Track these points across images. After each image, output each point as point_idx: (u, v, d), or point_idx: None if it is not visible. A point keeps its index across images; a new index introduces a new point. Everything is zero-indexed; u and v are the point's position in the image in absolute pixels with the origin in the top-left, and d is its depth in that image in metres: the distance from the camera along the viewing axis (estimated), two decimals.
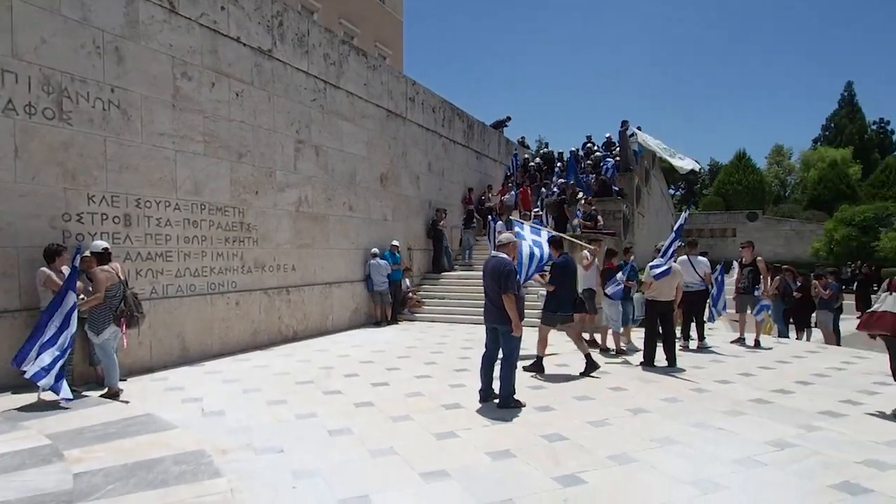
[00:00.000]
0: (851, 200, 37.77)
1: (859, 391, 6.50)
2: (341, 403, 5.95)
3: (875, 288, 24.39)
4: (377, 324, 11.93)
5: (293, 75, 10.10)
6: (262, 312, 9.45)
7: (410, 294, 13.17)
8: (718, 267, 10.48)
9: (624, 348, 8.88)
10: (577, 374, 7.27)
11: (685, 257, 9.16)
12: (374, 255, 11.87)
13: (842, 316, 11.48)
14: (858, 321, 6.15)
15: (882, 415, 5.55)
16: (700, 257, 9.38)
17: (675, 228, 8.15)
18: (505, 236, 6.12)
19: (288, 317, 10.03)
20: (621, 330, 8.84)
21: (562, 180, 17.51)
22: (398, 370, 7.61)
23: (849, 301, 13.68)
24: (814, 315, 11.55)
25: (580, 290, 9.01)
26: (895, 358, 5.77)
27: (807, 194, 46.62)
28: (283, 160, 9.93)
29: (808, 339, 11.50)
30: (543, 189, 17.65)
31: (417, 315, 12.86)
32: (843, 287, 13.24)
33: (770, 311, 10.87)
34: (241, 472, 4.09)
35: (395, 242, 12.55)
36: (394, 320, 12.31)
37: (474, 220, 16.36)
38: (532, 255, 8.10)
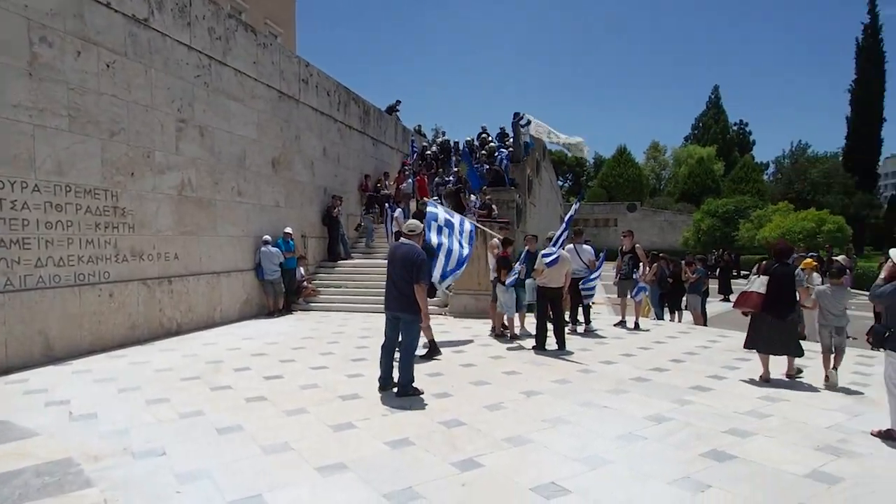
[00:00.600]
0: (716, 194, 41.71)
1: (723, 367, 7.19)
2: (231, 399, 5.63)
3: (735, 273, 27.29)
4: (270, 314, 11.44)
5: (174, 48, 9.32)
6: (140, 305, 8.71)
7: (305, 283, 12.77)
8: (601, 254, 11.13)
9: (518, 334, 9.19)
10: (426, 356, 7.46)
11: (571, 245, 9.63)
12: (266, 243, 11.34)
13: (708, 299, 12.67)
14: (735, 300, 6.82)
15: (751, 381, 6.19)
16: (585, 245, 9.91)
17: (565, 219, 8.51)
18: (414, 223, 6.06)
19: (171, 309, 9.33)
20: (515, 315, 9.13)
21: (456, 169, 17.75)
22: (293, 362, 7.34)
23: (714, 285, 15.09)
24: (685, 298, 12.65)
25: (491, 278, 9.27)
26: (754, 331, 6.50)
27: (678, 188, 50.85)
28: (164, 140, 9.16)
29: (679, 321, 12.57)
30: (438, 178, 17.78)
31: (313, 304, 12.50)
32: (709, 273, 14.60)
33: (647, 294, 11.75)
34: (117, 480, 3.73)
35: (289, 230, 12.07)
36: (288, 310, 11.88)
37: (375, 205, 16.16)
38: (450, 250, 8.21)
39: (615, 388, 6.11)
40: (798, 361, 6.65)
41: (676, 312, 12.86)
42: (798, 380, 6.49)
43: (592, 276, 9.96)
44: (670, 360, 7.53)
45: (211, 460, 4.06)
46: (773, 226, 26.78)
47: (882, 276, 4.92)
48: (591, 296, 10.18)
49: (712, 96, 57.78)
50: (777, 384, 6.30)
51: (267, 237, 11.41)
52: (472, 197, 14.93)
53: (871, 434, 4.64)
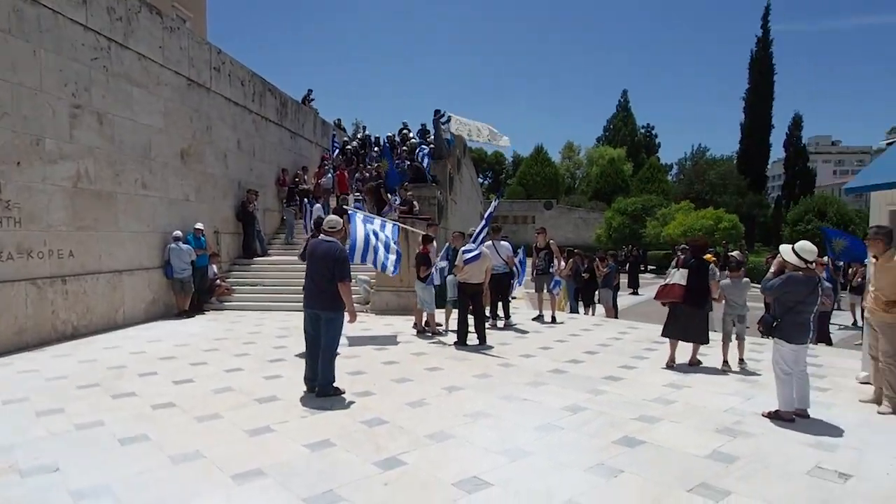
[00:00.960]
0: (625, 193, 43.90)
1: (633, 357, 7.57)
2: (135, 407, 5.26)
3: (642, 268, 28.83)
4: (180, 315, 10.82)
5: (67, 27, 8.57)
6: (29, 307, 7.97)
7: (218, 281, 12.19)
8: (520, 250, 11.39)
9: (440, 329, 9.24)
10: (396, 357, 7.38)
11: (489, 242, 9.81)
12: (176, 240, 10.70)
13: (618, 293, 13.31)
14: (656, 292, 7.26)
15: (666, 367, 6.54)
16: (503, 242, 10.12)
17: (485, 215, 8.63)
18: (335, 220, 5.89)
19: (65, 311, 8.60)
20: (435, 311, 9.16)
21: (377, 164, 17.60)
22: (205, 365, 6.98)
23: (624, 280, 15.84)
24: (597, 292, 13.22)
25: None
26: (672, 321, 6.94)
27: (591, 186, 53.08)
28: (56, 127, 8.41)
29: (593, 314, 13.12)
30: (358, 174, 17.56)
31: (227, 304, 11.96)
32: (619, 268, 15.35)
33: (563, 288, 12.23)
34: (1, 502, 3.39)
35: (200, 225, 11.45)
36: (199, 311, 11.29)
37: (296, 198, 15.69)
38: (377, 248, 8.18)
39: (534, 380, 6.28)
40: (702, 349, 7.12)
41: (590, 306, 13.42)
42: (701, 366, 6.95)
43: (522, 271, 10.31)
44: (585, 352, 7.83)
45: (112, 474, 3.77)
46: (677, 223, 28.54)
47: (772, 270, 5.36)
48: (511, 290, 10.47)
49: (622, 100, 60.68)
50: (681, 370, 6.71)
51: (177, 233, 10.77)
52: (393, 195, 14.83)
53: (762, 415, 5.03)
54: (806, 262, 4.92)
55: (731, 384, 6.22)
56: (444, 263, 8.77)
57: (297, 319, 6.40)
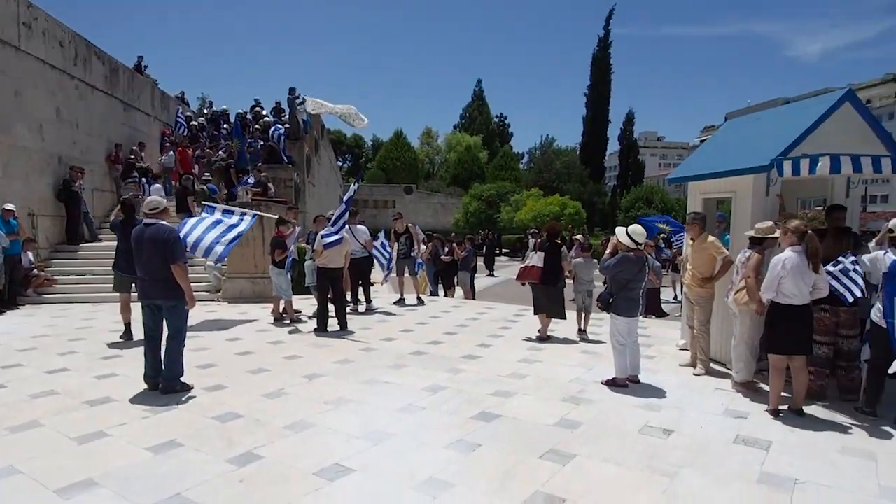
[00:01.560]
0: (481, 180, 45.66)
1: (489, 336, 7.93)
2: None
3: (498, 252, 30.29)
4: None
5: None
6: None
7: (35, 271, 10.66)
8: (380, 234, 11.37)
9: (299, 317, 8.93)
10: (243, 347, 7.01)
11: (346, 226, 9.70)
12: None
13: (476, 275, 13.83)
14: (517, 273, 7.78)
15: (527, 339, 6.91)
16: (360, 226, 10.06)
17: (345, 199, 8.46)
18: (156, 200, 5.34)
19: None
20: (292, 298, 8.84)
21: (229, 143, 16.47)
22: (20, 367, 6.08)
23: (481, 263, 16.49)
24: (456, 275, 13.63)
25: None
26: (537, 298, 7.47)
27: (449, 172, 54.42)
28: None
29: (452, 296, 13.51)
30: (199, 152, 16.30)
31: (48, 296, 10.52)
32: (476, 251, 15.96)
33: (423, 270, 12.47)
34: None
35: (10, 206, 9.87)
36: (12, 305, 9.79)
37: (134, 175, 14.14)
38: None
39: (396, 363, 6.32)
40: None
41: (450, 289, 13.81)
42: (553, 336, 7.48)
43: (390, 255, 10.36)
44: (445, 333, 8.04)
45: None
46: (528, 209, 30.36)
47: (608, 251, 5.90)
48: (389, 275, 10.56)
49: (477, 89, 62.68)
50: (532, 346, 7.16)
51: None
52: (246, 176, 14.00)
53: (601, 383, 5.55)
54: (637, 243, 5.47)
55: (575, 356, 6.76)
56: (292, 247, 8.49)
57: (137, 310, 5.80)
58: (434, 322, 9.01)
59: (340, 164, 59.07)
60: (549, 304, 7.52)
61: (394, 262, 10.71)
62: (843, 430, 4.35)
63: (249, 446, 3.96)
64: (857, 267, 4.72)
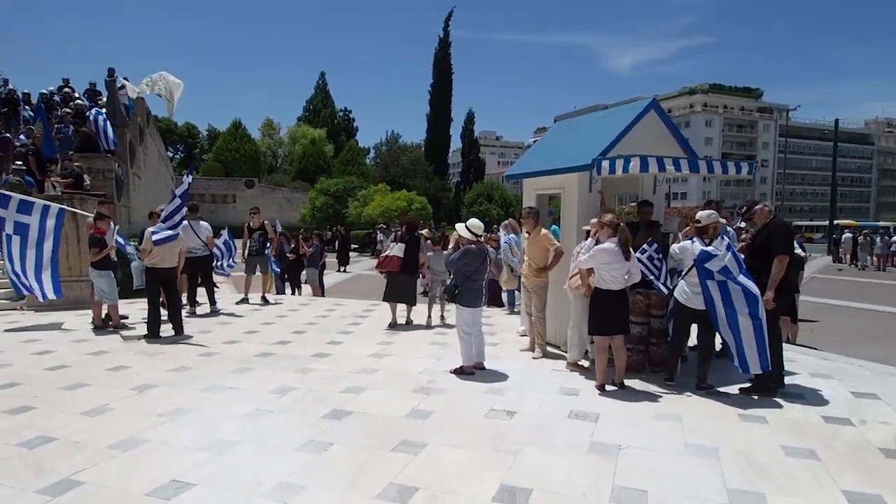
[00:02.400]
0: (328, 174, 44.79)
1: (340, 332, 7.83)
2: None
3: (353, 246, 29.96)
4: None
5: None
6: None
7: None
8: (223, 231, 10.67)
9: (125, 323, 8.06)
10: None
11: (186, 223, 9.01)
12: None
13: (325, 271, 13.55)
14: (377, 263, 8.46)
15: (391, 326, 6.88)
16: (202, 222, 9.39)
17: (178, 193, 7.78)
18: None
19: None
20: (118, 302, 7.96)
21: (31, 127, 14.27)
22: None
23: (331, 259, 16.16)
24: (304, 272, 13.24)
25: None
26: (390, 288, 8.09)
27: (294, 166, 52.62)
28: None
29: (300, 294, 13.10)
30: (9, 136, 13.99)
31: None
32: (326, 247, 15.63)
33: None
34: None
35: None
36: None
37: None
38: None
39: (240, 367, 5.98)
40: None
41: (297, 286, 13.36)
42: (413, 323, 7.59)
43: (230, 254, 9.88)
44: (293, 333, 7.78)
45: None
46: (375, 204, 30.39)
47: (451, 245, 6.14)
48: (227, 275, 9.99)
49: (320, 82, 61.22)
50: (384, 340, 7.22)
51: None
52: (54, 165, 12.27)
53: (450, 372, 5.76)
54: (476, 236, 5.76)
55: (424, 348, 6.94)
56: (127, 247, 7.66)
57: None
58: (281, 321, 8.68)
59: (171, 154, 54.32)
60: (401, 292, 8.11)
61: (232, 259, 10.12)
62: (656, 398, 4.99)
63: (66, 473, 3.49)
64: (660, 255, 5.43)
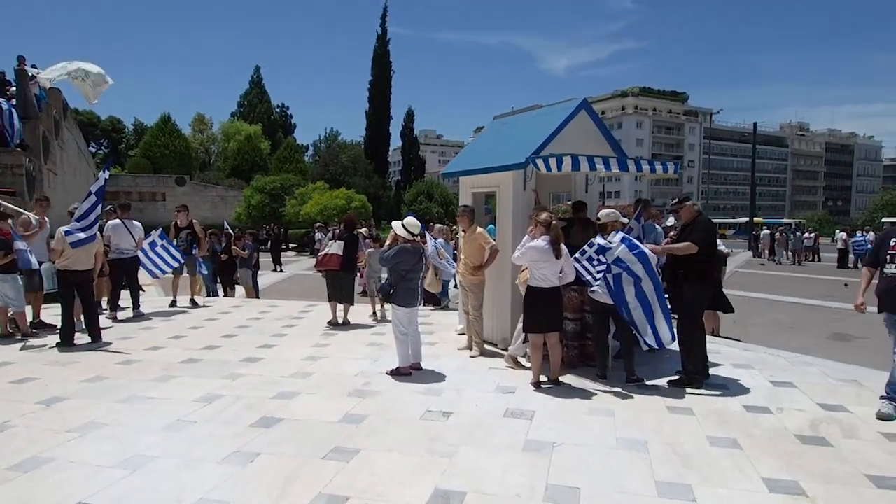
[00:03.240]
0: (264, 171, 43.44)
1: (273, 335, 7.55)
2: None
3: (284, 247, 29.21)
4: None
5: None
6: None
7: None
8: (155, 232, 10.10)
9: (34, 331, 7.47)
10: None
11: (118, 222, 8.55)
12: None
13: (259, 272, 13.09)
14: (316, 261, 8.39)
15: (330, 324, 6.65)
16: (135, 222, 8.91)
17: (94, 191, 7.27)
18: None
19: None
20: (25, 309, 7.37)
21: None
22: None
23: (266, 259, 15.63)
24: (237, 273, 12.73)
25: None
26: (331, 286, 8.04)
27: (228, 163, 50.75)
28: None
29: (233, 296, 12.60)
30: None
31: None
32: (260, 246, 15.12)
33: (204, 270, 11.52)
34: None
35: None
36: None
37: None
38: None
39: (163, 374, 5.65)
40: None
41: (230, 287, 12.84)
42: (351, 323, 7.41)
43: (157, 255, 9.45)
44: (222, 337, 7.45)
45: None
46: (314, 202, 29.73)
47: (387, 243, 6.02)
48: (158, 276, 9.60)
49: (255, 76, 59.39)
50: (317, 343, 7.01)
51: None
52: None
53: (386, 374, 5.65)
54: (413, 234, 5.67)
55: (361, 349, 6.79)
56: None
57: None
58: (210, 325, 8.29)
59: (93, 150, 51.35)
60: (340, 290, 8.10)
61: (157, 260, 9.62)
62: (590, 394, 5.06)
63: None
64: (600, 256, 5.49)
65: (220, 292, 12.52)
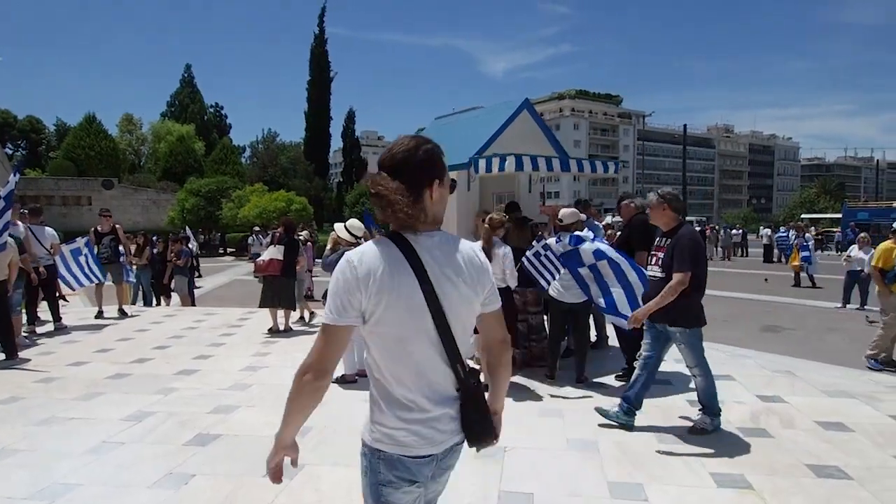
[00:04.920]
0: (199, 173, 41.74)
1: (210, 345, 7.20)
2: None
3: (222, 251, 28.11)
4: None
5: None
6: None
7: None
8: (80, 239, 9.43)
9: None
10: None
11: (21, 227, 7.92)
12: None
13: (196, 278, 12.51)
14: (254, 266, 8.13)
15: (267, 332, 6.33)
16: (47, 228, 8.29)
17: (3, 195, 6.69)
18: None
19: None
20: None
21: None
22: None
23: (206, 264, 14.89)
24: (172, 280, 12.11)
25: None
26: (268, 292, 7.74)
27: (160, 165, 48.51)
28: None
29: (167, 304, 11.98)
30: None
31: None
32: (198, 252, 14.44)
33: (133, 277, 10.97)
34: None
35: None
36: None
37: None
38: None
39: (87, 392, 5.24)
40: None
41: (164, 295, 12.20)
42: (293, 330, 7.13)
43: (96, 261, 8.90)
44: (154, 348, 7.03)
45: None
46: (252, 205, 28.80)
47: (329, 246, 5.83)
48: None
49: (185, 75, 57.03)
50: (258, 351, 6.72)
51: None
52: None
53: (332, 381, 5.44)
54: (356, 237, 5.51)
55: (303, 357, 6.51)
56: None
57: None
58: (141, 336, 7.82)
59: (10, 151, 48.03)
60: (279, 296, 7.80)
61: (77, 271, 9.04)
62: (539, 396, 5.04)
63: None
64: (548, 251, 5.49)
65: (153, 301, 11.89)
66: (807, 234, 17.26)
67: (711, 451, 3.77)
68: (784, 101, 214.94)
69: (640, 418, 4.40)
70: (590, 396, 4.95)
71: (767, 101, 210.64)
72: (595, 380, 5.38)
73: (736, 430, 4.14)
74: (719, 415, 4.14)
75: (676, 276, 3.85)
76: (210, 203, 32.38)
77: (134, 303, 11.49)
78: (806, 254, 15.10)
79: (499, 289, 4.91)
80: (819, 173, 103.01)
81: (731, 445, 3.87)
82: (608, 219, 7.31)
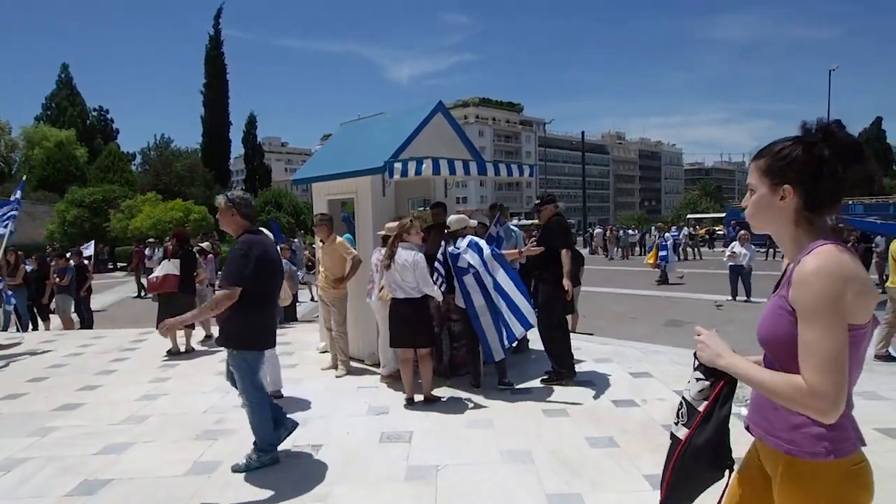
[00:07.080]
0: (81, 182, 38.24)
1: (98, 373, 6.44)
2: None
3: (112, 267, 25.89)
4: None
5: None
6: None
7: None
8: None
9: None
10: None
11: None
12: None
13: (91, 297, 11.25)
14: (148, 284, 7.66)
15: (167, 353, 5.65)
16: None
17: None
18: None
19: None
20: None
21: None
22: None
23: (94, 281, 13.35)
24: (52, 301, 10.81)
25: None
26: (165, 310, 6.73)
27: (36, 174, 43.96)
28: None
29: (48, 328, 10.68)
30: None
31: None
32: (88, 270, 12.95)
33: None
34: None
35: None
36: None
37: None
38: None
39: None
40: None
41: (44, 318, 10.84)
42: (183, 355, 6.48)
43: None
44: (28, 381, 6.18)
45: None
46: (144, 216, 26.74)
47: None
48: None
49: (63, 75, 52.21)
50: (157, 377, 6.07)
51: None
52: None
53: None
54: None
55: (209, 380, 5.96)
56: None
57: None
58: (13, 367, 6.87)
59: None
60: (178, 314, 6.62)
61: None
62: (466, 405, 4.87)
63: None
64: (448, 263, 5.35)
65: (30, 325, 10.55)
66: (665, 234, 18.85)
67: (642, 451, 3.76)
68: (668, 109, 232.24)
69: (570, 422, 4.35)
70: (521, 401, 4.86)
71: (654, 110, 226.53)
72: (521, 385, 5.31)
73: (661, 427, 4.17)
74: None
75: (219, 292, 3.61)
76: (96, 214, 29.72)
77: (5, 329, 10.16)
78: (664, 253, 16.36)
79: (400, 299, 4.70)
80: (700, 177, 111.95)
81: (660, 444, 3.82)
82: (515, 222, 7.36)
